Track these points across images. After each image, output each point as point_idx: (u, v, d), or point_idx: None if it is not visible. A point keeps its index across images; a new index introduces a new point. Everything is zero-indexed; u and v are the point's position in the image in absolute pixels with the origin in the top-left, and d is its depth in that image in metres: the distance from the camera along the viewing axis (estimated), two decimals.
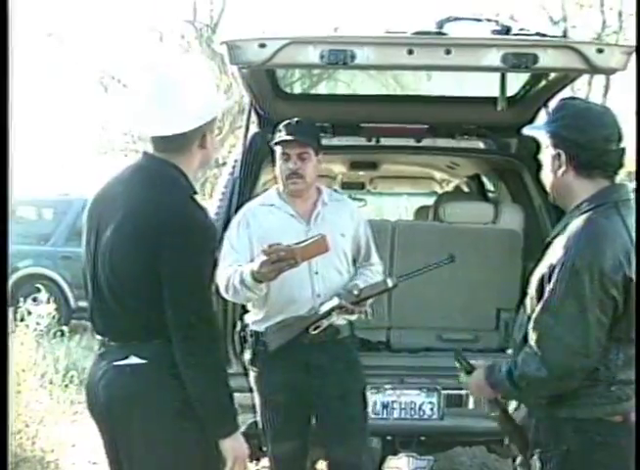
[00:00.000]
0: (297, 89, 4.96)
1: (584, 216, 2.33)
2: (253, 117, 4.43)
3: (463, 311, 4.44)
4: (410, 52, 3.45)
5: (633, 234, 2.31)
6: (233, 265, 3.37)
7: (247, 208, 3.67)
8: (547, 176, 2.46)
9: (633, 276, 2.26)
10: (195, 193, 2.64)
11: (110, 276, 2.60)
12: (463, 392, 3.90)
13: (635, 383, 2.35)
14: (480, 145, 4.95)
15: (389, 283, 3.46)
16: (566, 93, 4.19)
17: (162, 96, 2.62)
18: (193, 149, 2.65)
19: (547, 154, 2.42)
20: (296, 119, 3.54)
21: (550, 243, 2.41)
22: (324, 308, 3.42)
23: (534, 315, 2.34)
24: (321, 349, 3.45)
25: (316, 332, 3.43)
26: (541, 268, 2.38)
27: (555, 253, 2.33)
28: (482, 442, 4.29)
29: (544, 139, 2.43)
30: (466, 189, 6.37)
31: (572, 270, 2.25)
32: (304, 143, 3.50)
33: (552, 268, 2.30)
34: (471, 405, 3.91)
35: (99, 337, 2.69)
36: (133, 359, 2.57)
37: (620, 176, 2.45)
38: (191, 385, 2.52)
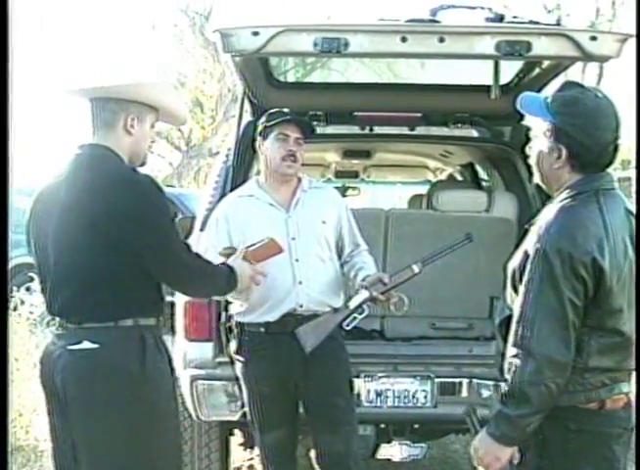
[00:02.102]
0: (291, 78, 4.93)
1: (560, 204, 2.33)
2: (247, 106, 4.42)
3: (457, 300, 4.43)
4: (403, 40, 3.43)
5: (609, 223, 2.29)
6: None
7: (225, 201, 3.67)
8: (537, 160, 2.42)
9: (605, 266, 2.25)
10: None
11: (62, 259, 2.68)
12: (456, 379, 3.93)
13: (636, 382, 2.35)
14: (474, 133, 4.95)
15: (416, 269, 3.45)
16: (560, 81, 4.18)
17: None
18: (118, 130, 2.74)
19: (543, 140, 2.38)
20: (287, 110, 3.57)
21: (528, 230, 2.40)
22: (354, 303, 3.42)
23: (516, 308, 2.32)
24: None
25: (350, 327, 3.44)
26: (517, 255, 2.38)
27: (530, 240, 2.33)
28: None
29: (543, 124, 2.38)
30: (459, 177, 6.36)
31: (545, 257, 2.25)
32: (304, 127, 3.53)
33: (526, 256, 2.31)
34: (464, 393, 3.92)
35: (57, 318, 2.75)
36: (86, 344, 2.64)
37: (614, 165, 2.44)
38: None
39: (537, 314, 2.26)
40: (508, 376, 2.30)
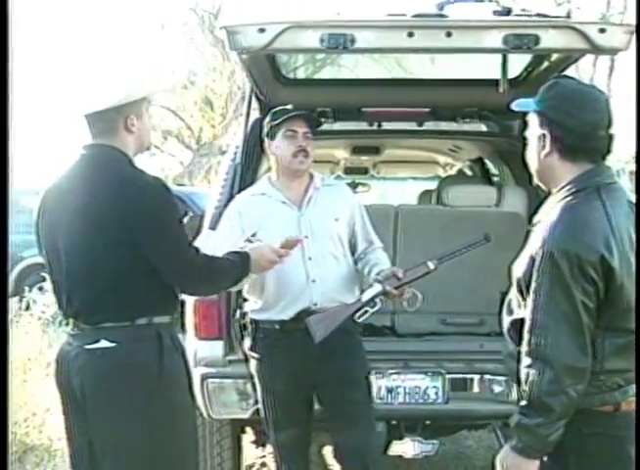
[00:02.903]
0: (301, 75, 4.92)
1: (563, 203, 2.27)
2: (254, 104, 4.41)
3: (467, 295, 4.42)
4: (410, 35, 3.42)
5: (614, 220, 2.24)
6: None
7: (237, 200, 3.67)
8: (531, 156, 2.38)
9: (614, 264, 2.19)
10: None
11: (76, 260, 2.69)
12: (468, 375, 3.91)
13: (636, 382, 2.28)
14: (483, 128, 4.93)
15: (431, 266, 3.43)
16: (570, 74, 4.16)
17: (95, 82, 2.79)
18: (120, 132, 2.75)
19: (533, 133, 2.35)
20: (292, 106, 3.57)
21: (531, 231, 2.35)
22: (367, 296, 3.39)
23: (527, 316, 2.25)
24: None
25: (361, 320, 3.42)
26: (524, 255, 2.31)
27: (536, 241, 2.26)
28: (488, 425, 4.29)
29: (532, 117, 2.35)
30: (469, 172, 6.34)
31: (552, 260, 2.18)
32: (311, 122, 3.53)
33: (532, 261, 2.24)
34: (476, 389, 3.91)
35: (71, 319, 2.76)
36: (104, 343, 2.65)
37: (622, 159, 2.39)
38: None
39: (550, 321, 2.19)
40: (525, 387, 2.22)
